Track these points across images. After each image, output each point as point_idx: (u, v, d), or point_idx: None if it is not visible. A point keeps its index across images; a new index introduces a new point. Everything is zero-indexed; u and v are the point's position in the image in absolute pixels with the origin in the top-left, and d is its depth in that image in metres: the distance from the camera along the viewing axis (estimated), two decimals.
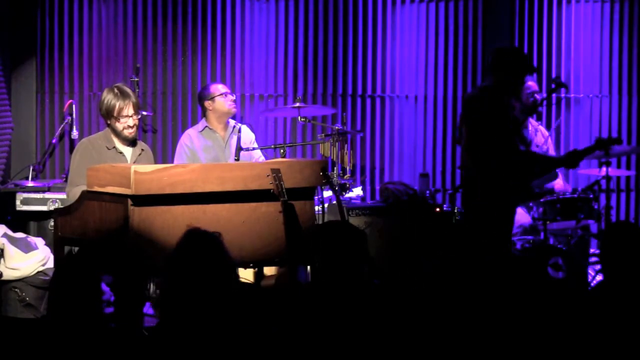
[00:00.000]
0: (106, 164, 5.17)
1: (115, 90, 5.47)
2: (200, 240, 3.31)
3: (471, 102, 5.68)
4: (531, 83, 6.62)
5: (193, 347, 3.18)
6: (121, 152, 5.53)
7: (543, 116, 7.65)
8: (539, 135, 6.81)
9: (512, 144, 5.55)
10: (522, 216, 6.41)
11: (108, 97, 5.46)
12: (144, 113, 6.75)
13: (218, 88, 6.57)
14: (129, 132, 5.48)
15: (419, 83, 7.65)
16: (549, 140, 6.90)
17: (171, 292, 3.24)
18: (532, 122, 6.86)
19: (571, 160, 5.66)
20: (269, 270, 5.70)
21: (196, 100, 7.25)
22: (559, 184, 6.81)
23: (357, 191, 6.65)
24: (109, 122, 5.52)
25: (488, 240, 5.49)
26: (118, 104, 5.43)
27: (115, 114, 5.44)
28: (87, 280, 3.30)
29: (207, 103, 6.53)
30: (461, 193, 5.74)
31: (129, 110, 5.45)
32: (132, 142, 5.57)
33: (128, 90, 5.50)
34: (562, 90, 6.76)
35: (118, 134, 5.50)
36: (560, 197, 6.25)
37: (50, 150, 7.25)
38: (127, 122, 5.46)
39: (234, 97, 6.67)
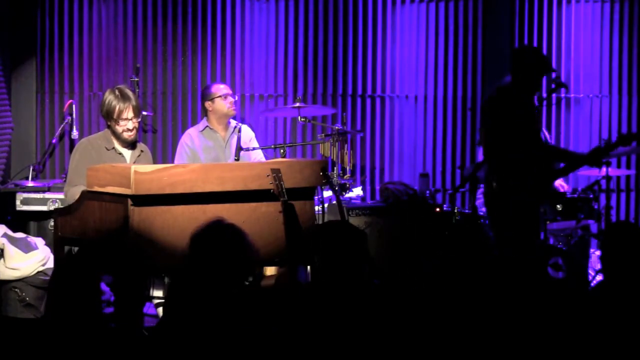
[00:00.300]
0: (106, 164, 5.17)
1: (117, 92, 5.46)
2: (226, 232, 3.32)
3: (491, 104, 5.63)
4: None
5: (193, 346, 3.18)
6: (120, 153, 5.52)
7: (543, 116, 7.65)
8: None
9: (537, 140, 5.51)
10: None
11: (109, 99, 5.46)
12: (144, 113, 6.75)
13: (220, 88, 6.55)
14: (128, 135, 5.48)
15: (419, 83, 7.65)
16: (549, 140, 6.89)
17: (186, 285, 3.24)
18: None
19: (595, 157, 5.55)
20: (269, 270, 5.71)
21: (196, 100, 7.26)
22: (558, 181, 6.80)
23: (357, 191, 6.65)
24: (109, 123, 5.52)
25: (512, 239, 5.43)
26: (118, 107, 5.42)
27: (115, 116, 5.44)
28: (87, 280, 3.30)
29: (207, 103, 6.52)
30: (485, 200, 5.63)
31: (129, 113, 5.44)
32: (131, 144, 5.56)
33: (129, 93, 5.49)
34: (562, 90, 6.76)
35: (118, 136, 5.50)
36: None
37: (50, 150, 7.25)
38: (127, 125, 5.45)
39: (235, 99, 6.66)
